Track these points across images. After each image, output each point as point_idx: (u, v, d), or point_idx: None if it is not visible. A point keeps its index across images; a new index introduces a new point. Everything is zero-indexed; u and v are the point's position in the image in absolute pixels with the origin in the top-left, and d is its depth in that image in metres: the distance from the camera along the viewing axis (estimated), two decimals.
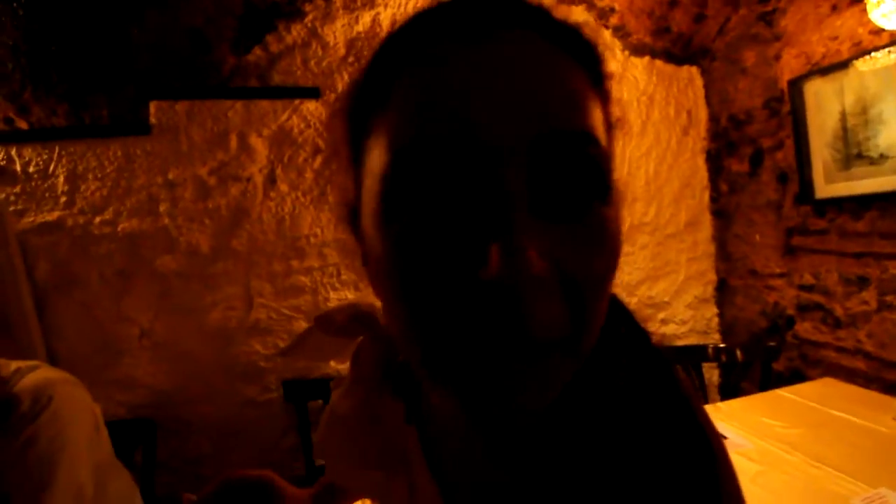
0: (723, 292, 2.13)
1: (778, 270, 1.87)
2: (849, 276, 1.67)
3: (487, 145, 0.24)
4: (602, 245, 0.27)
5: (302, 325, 1.82)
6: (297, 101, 1.75)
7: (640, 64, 2.03)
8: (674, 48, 2.03)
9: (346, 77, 1.79)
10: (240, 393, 1.75)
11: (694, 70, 2.08)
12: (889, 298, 1.56)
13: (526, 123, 0.24)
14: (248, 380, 1.76)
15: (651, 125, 2.05)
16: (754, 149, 1.91)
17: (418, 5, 1.58)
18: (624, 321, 0.37)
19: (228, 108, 1.72)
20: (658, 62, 2.04)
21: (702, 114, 2.09)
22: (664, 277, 2.08)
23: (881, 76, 1.51)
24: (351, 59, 1.80)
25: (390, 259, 0.27)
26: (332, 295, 1.84)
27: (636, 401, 0.34)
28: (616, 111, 0.31)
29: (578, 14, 1.98)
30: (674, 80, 2.06)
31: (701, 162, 2.10)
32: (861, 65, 1.55)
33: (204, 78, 1.69)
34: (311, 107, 1.78)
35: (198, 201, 1.71)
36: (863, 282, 1.63)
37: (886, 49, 1.48)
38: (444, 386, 0.26)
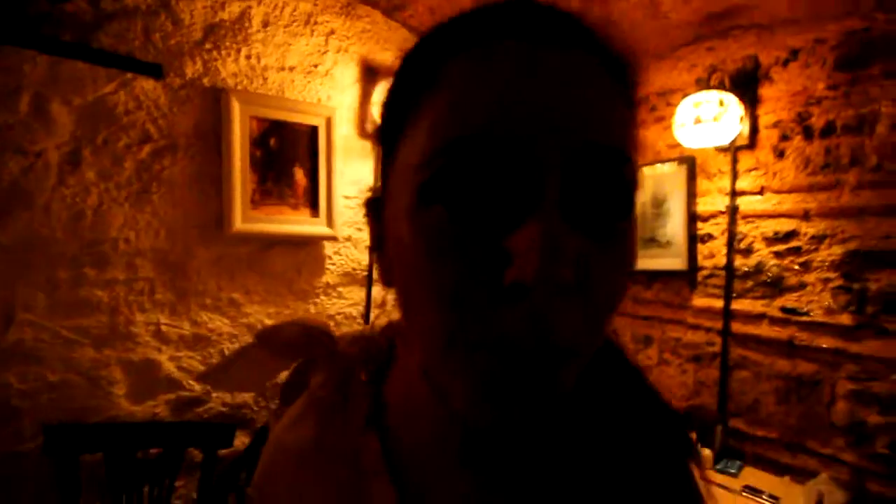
0: None
1: None
2: (638, 335, 2.03)
3: (532, 149, 0.25)
4: (622, 260, 0.28)
5: (89, 352, 1.41)
6: (129, 76, 1.43)
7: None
8: None
9: (198, 64, 1.54)
10: None
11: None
12: (666, 355, 1.93)
13: (569, 134, 0.25)
14: None
15: None
16: None
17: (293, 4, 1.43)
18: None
19: (27, 61, 1.31)
20: None
21: None
22: None
23: (669, 179, 1.93)
24: (209, 47, 1.56)
25: (414, 249, 0.27)
26: (139, 317, 1.48)
27: (614, 411, 0.37)
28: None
29: None
30: None
31: None
32: (658, 169, 1.96)
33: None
34: (147, 86, 1.47)
35: None
36: (648, 340, 2.00)
37: (675, 161, 1.91)
38: (454, 376, 0.27)
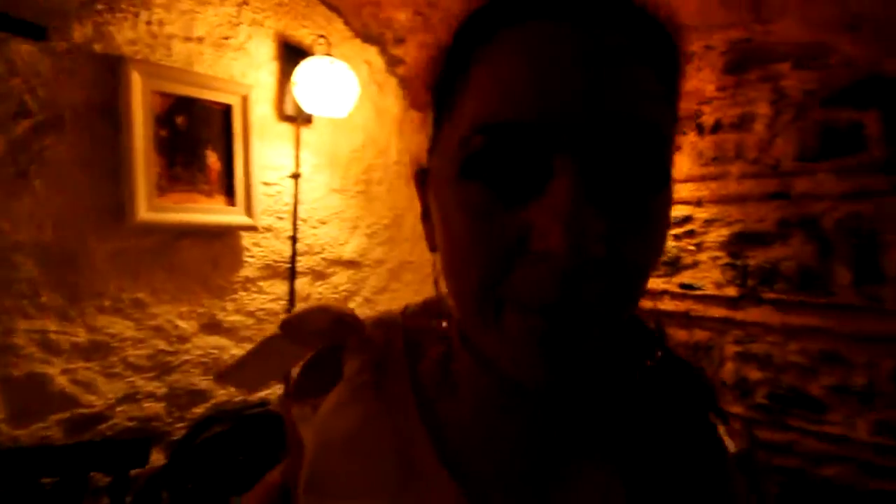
0: None
1: None
2: None
3: (562, 129, 0.26)
4: (653, 233, 0.30)
5: None
6: (2, 35, 1.18)
7: (417, 119, 2.21)
8: None
9: (87, 28, 1.32)
10: None
11: None
12: None
13: (597, 116, 0.26)
14: None
15: None
16: None
17: None
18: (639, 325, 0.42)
19: None
20: None
21: None
22: None
23: None
24: (100, 8, 1.34)
25: (454, 219, 0.30)
26: (22, 325, 1.25)
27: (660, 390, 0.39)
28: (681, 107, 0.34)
29: (371, 54, 2.03)
30: None
31: None
32: None
33: None
34: (25, 50, 1.23)
35: None
36: None
37: None
38: (497, 340, 0.30)
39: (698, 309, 1.78)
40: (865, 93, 1.48)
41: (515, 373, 0.29)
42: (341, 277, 1.96)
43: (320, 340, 0.42)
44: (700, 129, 1.81)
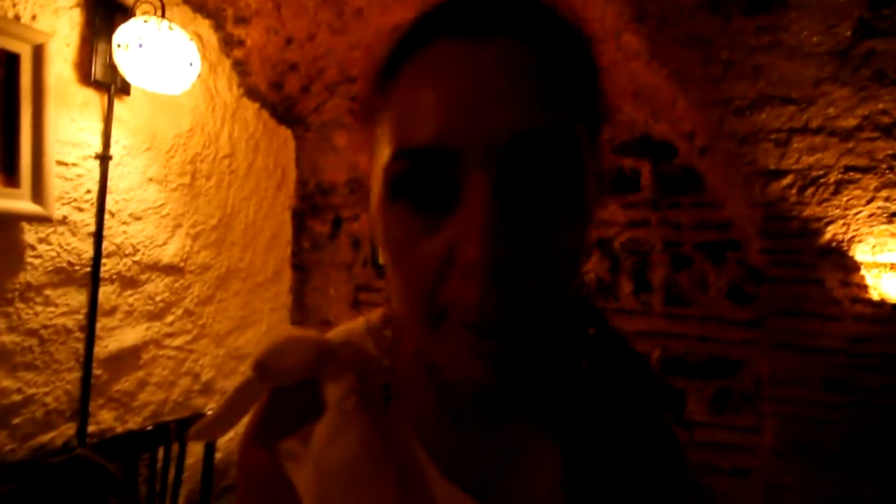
0: None
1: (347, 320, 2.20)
2: None
3: (468, 148, 0.28)
4: (573, 230, 0.31)
5: None
6: None
7: (251, 108, 2.00)
8: (279, 106, 2.13)
9: None
10: None
11: (289, 133, 2.23)
12: None
13: (500, 128, 0.28)
14: None
15: (254, 171, 2.02)
16: (335, 215, 2.23)
17: None
18: (594, 320, 0.44)
19: None
20: (265, 113, 2.07)
21: (291, 175, 2.24)
22: (250, 327, 2.00)
23: None
24: None
25: (389, 238, 0.32)
26: None
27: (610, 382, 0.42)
28: (606, 105, 0.36)
29: (203, 28, 1.77)
30: (274, 135, 2.14)
31: (288, 218, 2.22)
32: None
33: None
34: None
35: None
36: None
37: None
38: (439, 352, 0.31)
39: None
40: (641, 147, 1.96)
41: (456, 378, 0.31)
42: (158, 285, 1.63)
43: (300, 377, 0.39)
44: None
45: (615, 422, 0.40)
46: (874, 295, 1.56)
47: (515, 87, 0.28)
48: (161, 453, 1.47)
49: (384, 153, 0.31)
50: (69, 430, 1.36)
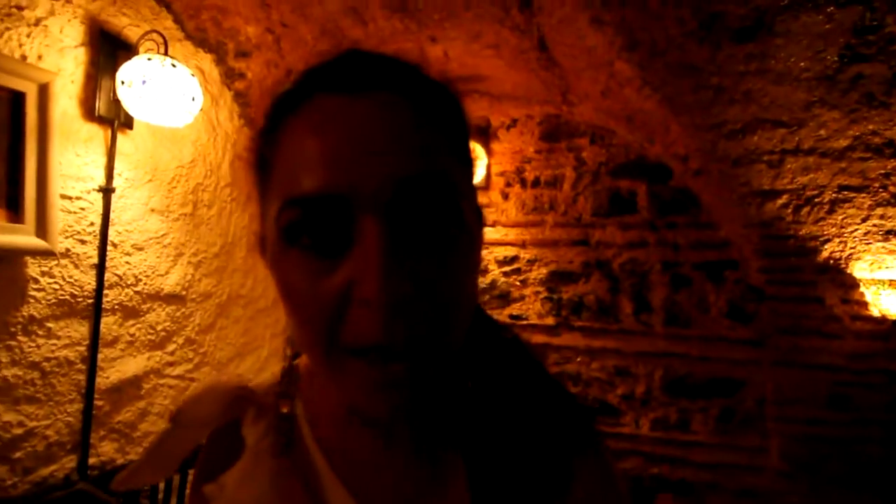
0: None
1: None
2: None
3: (354, 194, 0.30)
4: (459, 267, 0.33)
5: None
6: None
7: (245, 135, 2.03)
8: None
9: None
10: None
11: None
12: None
13: (381, 176, 0.30)
14: None
15: (255, 199, 2.04)
16: None
17: None
18: (492, 333, 0.45)
19: None
20: None
21: None
22: (251, 354, 2.00)
23: None
24: None
25: (286, 281, 0.33)
26: None
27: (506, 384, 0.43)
28: (473, 151, 0.42)
29: (205, 62, 1.81)
30: None
31: None
32: None
33: None
34: None
35: None
36: None
37: None
38: (337, 379, 0.32)
39: (525, 337, 2.05)
40: (637, 169, 1.99)
41: (360, 410, 0.33)
42: (159, 315, 1.63)
43: (215, 423, 0.42)
44: (523, 183, 2.13)
45: (514, 439, 0.40)
46: (874, 311, 1.57)
47: (395, 136, 0.30)
48: (162, 485, 1.46)
49: (276, 201, 0.32)
50: (70, 462, 1.35)
